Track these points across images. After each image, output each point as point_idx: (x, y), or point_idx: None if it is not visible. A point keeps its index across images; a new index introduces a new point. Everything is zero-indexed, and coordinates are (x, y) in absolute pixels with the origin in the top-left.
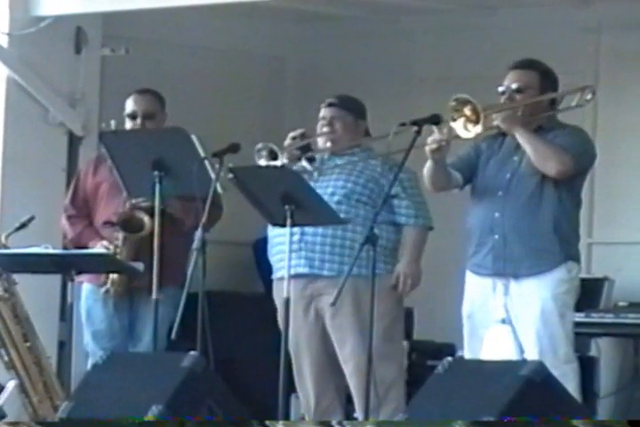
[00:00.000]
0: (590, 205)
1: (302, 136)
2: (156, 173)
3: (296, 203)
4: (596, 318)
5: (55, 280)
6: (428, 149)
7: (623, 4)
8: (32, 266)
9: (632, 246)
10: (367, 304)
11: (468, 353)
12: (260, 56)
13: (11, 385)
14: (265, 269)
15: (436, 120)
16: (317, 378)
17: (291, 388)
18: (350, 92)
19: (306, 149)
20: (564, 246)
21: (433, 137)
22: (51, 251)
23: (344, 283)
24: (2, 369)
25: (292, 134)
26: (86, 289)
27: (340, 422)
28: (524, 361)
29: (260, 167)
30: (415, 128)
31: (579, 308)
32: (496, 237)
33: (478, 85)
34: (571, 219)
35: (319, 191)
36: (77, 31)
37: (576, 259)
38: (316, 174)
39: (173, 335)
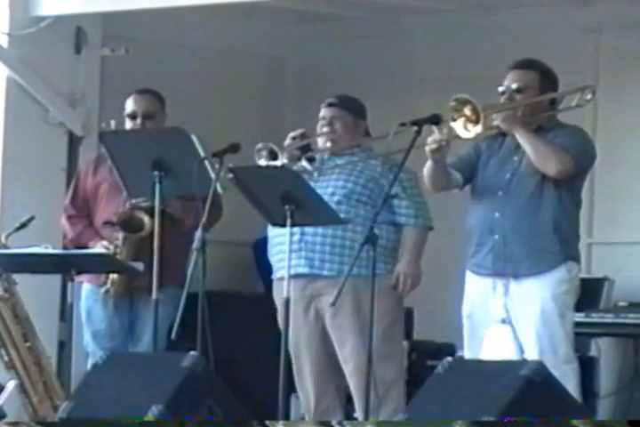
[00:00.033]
0: (590, 205)
1: (302, 136)
2: (155, 173)
3: (296, 203)
4: (596, 318)
5: (55, 280)
6: (427, 148)
7: (623, 3)
8: (32, 266)
9: (632, 246)
10: (367, 304)
11: (467, 353)
12: (259, 56)
13: (11, 385)
14: (265, 269)
15: (436, 120)
16: (317, 378)
17: (291, 388)
18: (350, 92)
19: (306, 149)
20: (564, 246)
21: (433, 137)
22: (51, 251)
23: (344, 283)
24: (2, 369)
25: (292, 134)
26: (86, 289)
27: (339, 423)
28: (524, 361)
29: (259, 167)
30: (415, 128)
31: (579, 308)
32: (496, 237)
33: (478, 85)
34: (571, 219)
35: (319, 191)
36: (77, 31)
37: (576, 259)
38: (315, 174)
39: (173, 335)
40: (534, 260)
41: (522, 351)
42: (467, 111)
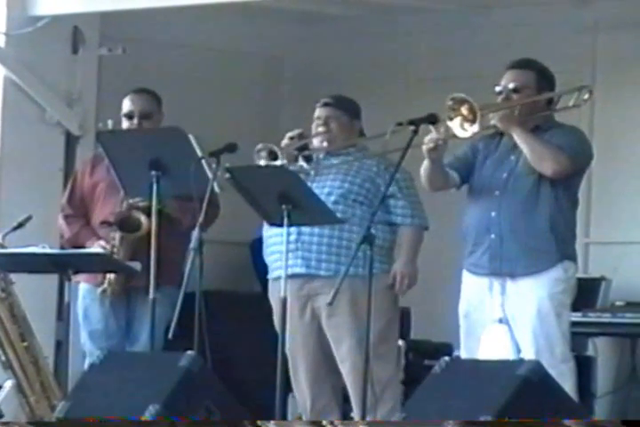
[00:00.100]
0: (587, 204)
1: (300, 136)
2: (153, 172)
3: (293, 202)
4: (593, 317)
5: (52, 280)
6: (424, 148)
7: (620, 3)
8: (29, 265)
9: (629, 246)
10: (364, 304)
11: (464, 353)
12: (257, 56)
13: (8, 385)
14: (262, 268)
15: (432, 119)
16: (313, 378)
17: (288, 387)
18: (347, 92)
19: (302, 149)
20: (561, 246)
21: (430, 136)
22: (48, 250)
23: (341, 282)
24: None
25: (289, 134)
26: (83, 289)
27: (332, 422)
28: (521, 361)
29: (256, 167)
30: (412, 127)
31: (576, 307)
32: (492, 236)
33: (475, 85)
34: (567, 218)
35: (316, 191)
36: (74, 31)
37: (572, 258)
38: (312, 173)
39: (170, 335)
40: (531, 259)
41: (519, 351)
42: (463, 110)
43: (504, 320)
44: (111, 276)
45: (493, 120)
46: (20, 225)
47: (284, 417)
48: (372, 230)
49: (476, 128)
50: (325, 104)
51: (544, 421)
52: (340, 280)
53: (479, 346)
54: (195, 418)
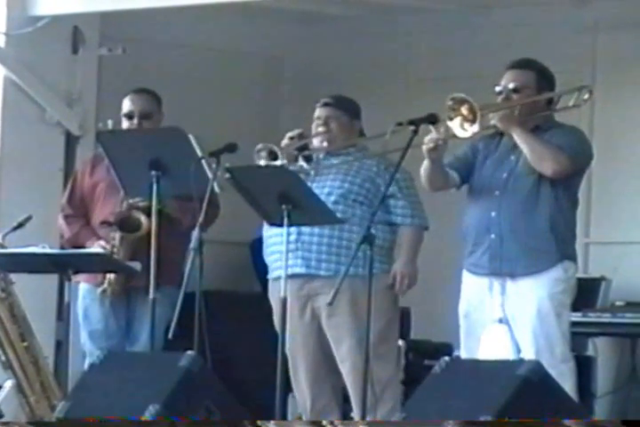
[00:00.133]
0: (587, 204)
1: (300, 136)
2: (153, 172)
3: (293, 202)
4: (593, 317)
5: (52, 280)
6: (424, 148)
7: (620, 3)
8: (29, 265)
9: (629, 246)
10: (364, 304)
11: (464, 353)
12: (257, 56)
13: (8, 385)
14: (262, 268)
15: (432, 119)
16: (313, 378)
17: (288, 387)
18: (347, 92)
19: (302, 149)
20: (561, 246)
21: (430, 136)
22: (48, 250)
23: (341, 282)
24: None
25: (289, 134)
26: (83, 289)
27: (331, 422)
28: (521, 361)
29: (256, 167)
30: (412, 127)
31: (576, 307)
32: (492, 236)
33: (475, 85)
34: (567, 218)
35: (316, 191)
36: (74, 31)
37: (572, 258)
38: (312, 173)
39: (170, 335)
40: (531, 259)
41: (519, 351)
42: (463, 110)
43: (504, 320)
44: (111, 276)
45: (493, 120)
46: (20, 225)
47: (284, 417)
48: (372, 230)
49: (476, 128)
50: (325, 104)
51: (544, 421)
52: (339, 280)
53: (479, 346)
54: (195, 418)
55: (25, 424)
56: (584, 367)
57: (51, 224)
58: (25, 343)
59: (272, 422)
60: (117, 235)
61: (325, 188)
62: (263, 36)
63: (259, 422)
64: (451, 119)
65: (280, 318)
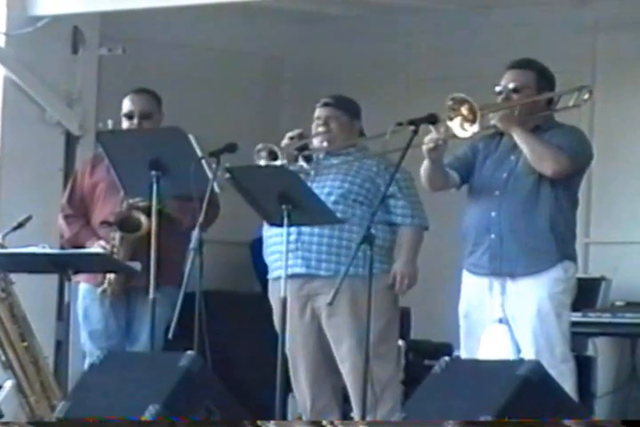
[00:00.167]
0: (587, 204)
1: (300, 136)
2: (153, 172)
3: (293, 202)
4: (593, 317)
5: (52, 280)
6: (424, 148)
7: (620, 3)
8: (29, 265)
9: (629, 246)
10: (364, 304)
11: (464, 352)
12: (257, 56)
13: (8, 385)
14: (262, 268)
15: (432, 119)
16: (313, 378)
17: (288, 387)
18: (347, 92)
19: (302, 149)
20: (561, 246)
21: (430, 136)
22: (48, 250)
23: (341, 282)
24: None
25: (289, 134)
26: (83, 289)
27: (331, 422)
28: (521, 361)
29: (256, 167)
30: (412, 127)
31: (576, 307)
32: (492, 236)
33: (475, 85)
34: (567, 218)
35: (316, 191)
36: (74, 31)
37: (572, 258)
38: (312, 173)
39: (170, 335)
40: (531, 259)
41: (519, 351)
42: (463, 110)
43: (504, 320)
44: (111, 276)
45: (493, 120)
46: (20, 225)
47: (284, 417)
48: (372, 230)
49: (475, 128)
50: (325, 104)
51: (544, 421)
52: (339, 280)
53: (479, 346)
54: (194, 418)
55: (25, 424)
56: (584, 367)
57: (51, 224)
58: (25, 343)
59: (272, 422)
60: (117, 235)
61: (325, 188)
62: (263, 36)
63: (259, 423)
64: (451, 119)
65: (280, 318)
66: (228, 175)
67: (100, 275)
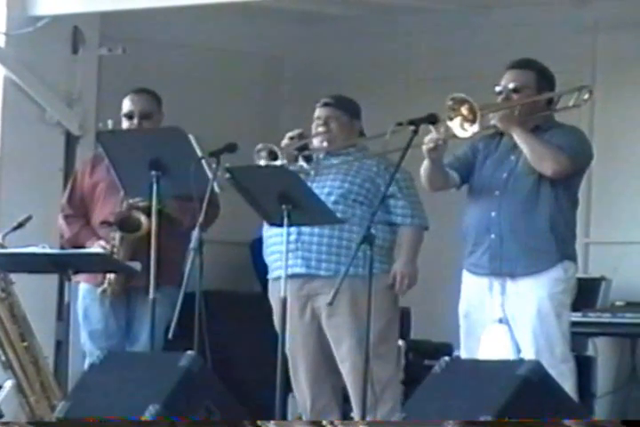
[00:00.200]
0: (588, 204)
1: (300, 136)
2: (153, 172)
3: (293, 202)
4: (593, 317)
5: (52, 280)
6: (424, 148)
7: (620, 3)
8: (29, 265)
9: (629, 246)
10: (364, 304)
11: (464, 352)
12: (257, 56)
13: (8, 385)
14: (262, 268)
15: (432, 119)
16: (313, 378)
17: (288, 387)
18: (347, 92)
19: (302, 149)
20: (561, 246)
21: (430, 136)
22: (48, 250)
23: (341, 282)
24: None
25: (289, 134)
26: (83, 289)
27: (331, 423)
28: (521, 361)
29: (256, 167)
30: (412, 127)
31: (576, 307)
32: (492, 236)
33: (475, 85)
34: (567, 218)
35: (316, 191)
36: (74, 31)
37: (572, 258)
38: (312, 173)
39: (170, 335)
40: (530, 259)
41: (519, 351)
42: (463, 110)
43: (504, 320)
44: (111, 276)
45: (493, 120)
46: (20, 225)
47: (284, 417)
48: (372, 230)
49: (475, 128)
50: (325, 104)
51: (544, 421)
52: (339, 280)
53: (479, 346)
54: (195, 418)
55: (25, 424)
56: (584, 367)
57: (51, 224)
58: (25, 343)
59: (272, 422)
60: (117, 235)
61: (325, 188)
62: (263, 36)
63: (259, 423)
64: (451, 119)
65: (280, 318)
66: (227, 175)
67: (100, 275)
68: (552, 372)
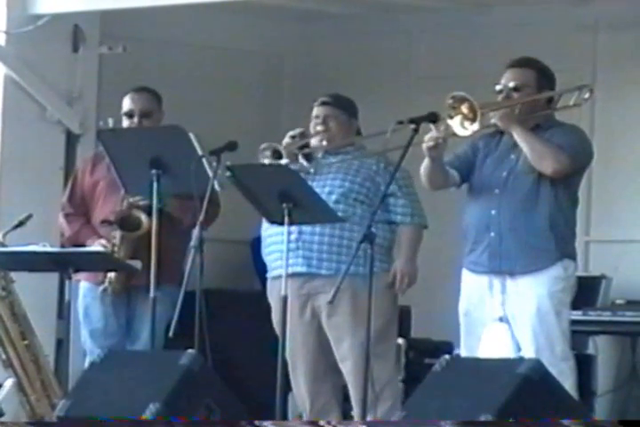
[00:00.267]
0: (588, 203)
1: (302, 135)
2: (153, 171)
3: (294, 201)
4: (593, 315)
5: (53, 278)
6: (424, 146)
7: (620, 2)
8: (30, 264)
9: (629, 244)
10: (364, 302)
11: (464, 351)
12: (258, 54)
13: (8, 383)
14: (262, 267)
15: (433, 118)
16: (312, 377)
17: (288, 386)
18: (348, 90)
19: (302, 148)
20: (560, 244)
21: (430, 135)
22: (48, 249)
23: (342, 281)
24: None
25: (291, 133)
26: (84, 287)
27: (329, 422)
28: (521, 359)
29: (257, 165)
30: (413, 126)
31: (576, 306)
32: (492, 234)
33: (475, 83)
34: (567, 217)
35: (316, 190)
36: (75, 29)
37: (572, 257)
38: (312, 172)
39: (171, 333)
40: (530, 258)
41: (519, 349)
42: (464, 109)
43: (504, 319)
44: (112, 274)
45: (494, 119)
46: (21, 223)
47: (284, 416)
48: (373, 229)
49: (476, 127)
50: (323, 103)
51: (544, 420)
52: (340, 279)
53: (479, 344)
54: (195, 417)
55: (24, 424)
56: (584, 366)
57: (51, 223)
58: (25, 342)
59: (270, 422)
60: (118, 233)
61: (326, 187)
62: (264, 35)
63: (256, 423)
64: (451, 118)
65: (280, 317)
66: (228, 174)
67: (101, 273)
68: (552, 370)
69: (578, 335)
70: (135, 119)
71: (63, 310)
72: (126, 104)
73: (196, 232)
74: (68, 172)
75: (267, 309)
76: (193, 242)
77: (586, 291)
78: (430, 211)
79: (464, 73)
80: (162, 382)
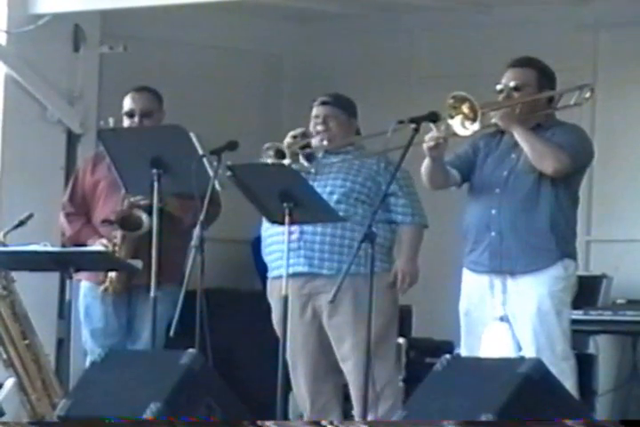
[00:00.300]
0: (589, 202)
1: (303, 135)
2: (154, 170)
3: (295, 200)
4: (594, 315)
5: (54, 278)
6: (425, 146)
7: (621, 1)
8: (30, 263)
9: (630, 244)
10: (365, 302)
11: (465, 350)
12: (258, 54)
13: (9, 383)
14: (263, 266)
15: (433, 118)
16: (313, 377)
17: (289, 386)
18: (348, 90)
19: (302, 148)
20: (561, 244)
21: (431, 134)
22: (49, 248)
23: (343, 280)
24: (0, 367)
25: (292, 133)
26: (85, 287)
27: (331, 422)
28: (522, 359)
29: (258, 165)
30: (413, 126)
31: (577, 305)
32: (493, 234)
33: (476, 83)
34: (567, 216)
35: (317, 190)
36: (75, 29)
37: (573, 256)
38: (313, 172)
39: (172, 333)
40: (531, 257)
41: (519, 349)
42: (464, 109)
43: (505, 318)
44: (112, 274)
45: (494, 118)
46: (22, 223)
47: (285, 415)
48: (373, 229)
49: (476, 126)
50: (323, 102)
51: (545, 420)
52: (341, 278)
53: (480, 344)
54: (195, 415)
55: (25, 424)
56: (585, 365)
57: (52, 222)
58: (26, 341)
59: (271, 422)
60: (118, 233)
61: (327, 186)
62: (263, 35)
63: (258, 423)
64: (452, 117)
65: (281, 317)
66: (229, 173)
67: (102, 273)
68: (553, 370)
69: (578, 335)
70: (136, 119)
71: (64, 310)
72: (127, 104)
73: (196, 232)
74: (69, 171)
75: (267, 308)
76: (194, 241)
77: (587, 290)
78: (431, 211)
79: (465, 72)
80: (162, 382)
